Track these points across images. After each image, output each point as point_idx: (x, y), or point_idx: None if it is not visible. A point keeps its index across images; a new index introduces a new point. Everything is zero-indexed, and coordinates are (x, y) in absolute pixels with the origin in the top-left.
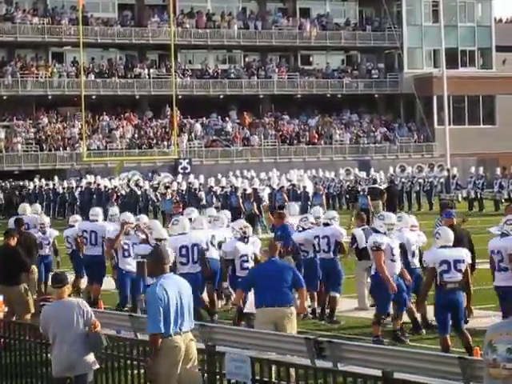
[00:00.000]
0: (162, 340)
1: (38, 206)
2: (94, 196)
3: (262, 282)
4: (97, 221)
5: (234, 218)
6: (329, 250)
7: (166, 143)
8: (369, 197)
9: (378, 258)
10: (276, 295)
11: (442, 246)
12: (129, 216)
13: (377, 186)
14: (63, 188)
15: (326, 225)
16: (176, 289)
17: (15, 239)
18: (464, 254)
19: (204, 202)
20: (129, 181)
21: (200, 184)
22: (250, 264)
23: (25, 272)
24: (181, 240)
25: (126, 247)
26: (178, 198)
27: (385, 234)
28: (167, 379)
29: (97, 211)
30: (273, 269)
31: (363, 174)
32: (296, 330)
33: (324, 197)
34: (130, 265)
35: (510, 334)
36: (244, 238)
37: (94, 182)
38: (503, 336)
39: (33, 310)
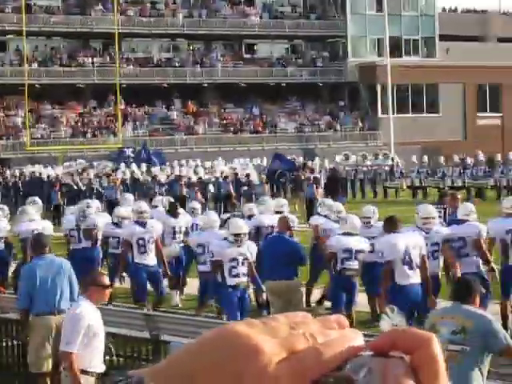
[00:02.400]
0: (32, 317)
1: None
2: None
3: (266, 256)
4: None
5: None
6: None
7: (109, 132)
8: (315, 186)
9: None
10: (276, 269)
11: (345, 233)
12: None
13: (316, 175)
14: (4, 178)
15: (278, 213)
16: (49, 269)
17: None
18: (364, 245)
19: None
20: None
21: (142, 172)
22: None
23: None
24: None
25: (141, 242)
26: (121, 187)
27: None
28: (36, 353)
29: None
30: (276, 243)
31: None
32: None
33: (266, 185)
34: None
35: (454, 318)
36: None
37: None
38: (447, 319)
39: None
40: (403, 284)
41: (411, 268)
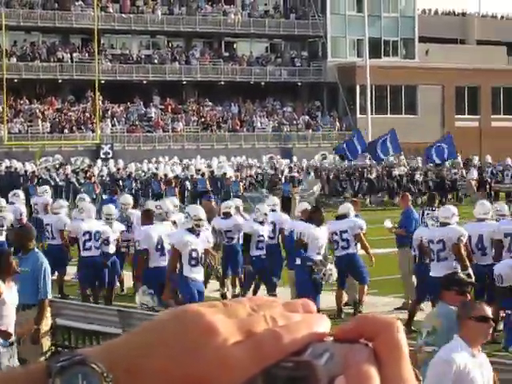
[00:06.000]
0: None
1: None
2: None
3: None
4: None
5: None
6: (274, 236)
7: (87, 128)
8: (291, 184)
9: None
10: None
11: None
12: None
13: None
14: None
15: (272, 211)
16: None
17: None
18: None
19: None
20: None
21: (118, 169)
22: None
23: None
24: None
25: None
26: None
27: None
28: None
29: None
30: None
31: (286, 162)
32: None
33: (241, 184)
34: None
35: (428, 318)
36: None
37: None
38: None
39: None
40: (155, 266)
41: (163, 254)
